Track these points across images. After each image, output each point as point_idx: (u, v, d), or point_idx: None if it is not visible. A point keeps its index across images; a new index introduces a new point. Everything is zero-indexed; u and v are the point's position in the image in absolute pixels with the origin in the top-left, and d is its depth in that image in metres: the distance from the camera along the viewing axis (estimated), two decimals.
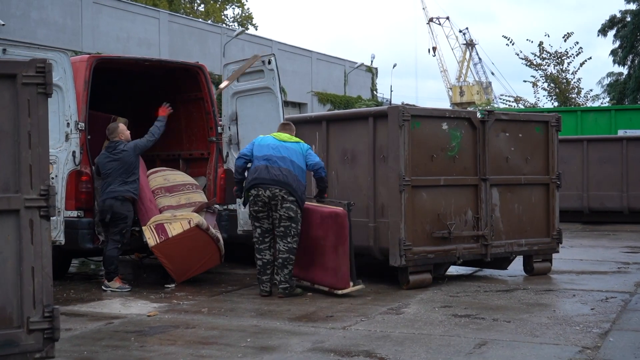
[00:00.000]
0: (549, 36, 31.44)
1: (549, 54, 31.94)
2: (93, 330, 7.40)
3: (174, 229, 9.57)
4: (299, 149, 9.24)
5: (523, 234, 10.61)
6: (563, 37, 31.06)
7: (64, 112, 9.59)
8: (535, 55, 32.26)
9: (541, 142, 10.87)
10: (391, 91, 64.76)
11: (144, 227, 9.78)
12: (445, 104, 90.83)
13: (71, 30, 33.53)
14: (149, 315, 8.06)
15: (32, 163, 5.10)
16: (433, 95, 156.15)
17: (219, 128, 11.12)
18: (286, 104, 47.14)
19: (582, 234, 17.03)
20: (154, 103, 12.35)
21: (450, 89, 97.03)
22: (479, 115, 10.24)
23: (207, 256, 9.87)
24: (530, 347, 6.63)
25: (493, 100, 74.32)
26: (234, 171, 9.59)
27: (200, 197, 10.65)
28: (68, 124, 9.62)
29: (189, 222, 9.59)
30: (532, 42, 32.25)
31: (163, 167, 11.07)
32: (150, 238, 9.62)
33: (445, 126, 9.89)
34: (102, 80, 11.26)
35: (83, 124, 9.74)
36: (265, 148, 9.18)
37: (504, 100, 35.38)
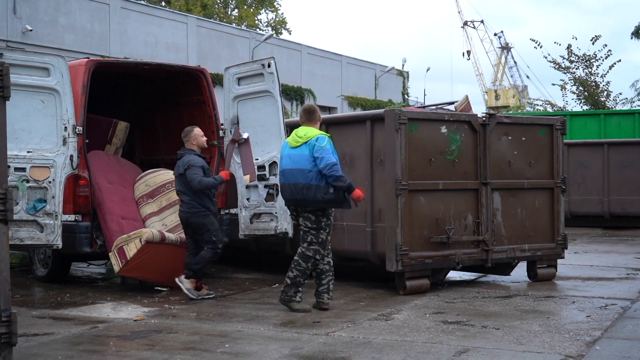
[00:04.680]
0: (576, 39, 30.92)
1: (577, 57, 31.50)
2: (75, 334, 7.37)
3: (131, 250, 9.42)
4: (307, 152, 8.46)
5: (526, 239, 10.42)
6: (591, 40, 30.63)
7: (61, 116, 9.61)
8: (563, 58, 31.85)
9: (546, 145, 10.67)
10: (424, 95, 64.30)
11: (110, 254, 9.66)
12: (481, 108, 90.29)
13: (99, 35, 33.74)
14: (135, 320, 8.02)
15: None
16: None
17: (221, 132, 11.07)
18: None
19: (600, 240, 16.73)
20: (158, 107, 12.42)
21: (486, 92, 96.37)
22: (479, 118, 10.07)
23: (182, 260, 9.76)
24: (512, 355, 6.48)
25: (530, 103, 73.67)
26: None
27: None
28: (65, 127, 9.63)
29: (140, 240, 9.41)
30: (559, 44, 31.87)
31: (148, 171, 10.96)
32: (115, 264, 9.54)
33: (444, 130, 9.75)
34: (106, 84, 11.29)
35: (81, 128, 9.75)
36: (280, 161, 8.84)
37: (532, 104, 34.96)
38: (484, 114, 10.20)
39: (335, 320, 7.92)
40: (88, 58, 10.50)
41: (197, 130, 9.71)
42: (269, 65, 10.41)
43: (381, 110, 9.73)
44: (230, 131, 10.96)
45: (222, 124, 11.13)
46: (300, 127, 8.74)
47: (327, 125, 10.44)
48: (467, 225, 9.92)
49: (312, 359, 6.37)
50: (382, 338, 7.09)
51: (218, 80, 21.26)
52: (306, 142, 8.51)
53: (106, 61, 11.61)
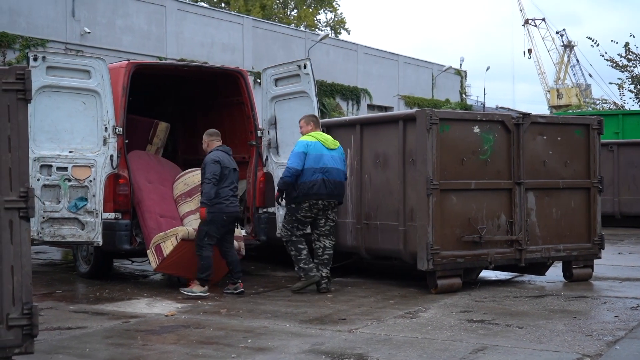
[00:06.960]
0: (634, 37, 30.46)
1: (634, 55, 31.03)
2: (107, 328, 7.62)
3: (167, 248, 9.61)
4: (342, 157, 9.95)
5: (561, 239, 10.38)
6: None
7: (101, 117, 9.92)
8: (621, 56, 31.40)
9: (582, 145, 10.62)
10: (484, 94, 63.65)
11: (147, 251, 9.89)
12: (543, 107, 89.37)
13: (156, 36, 34.31)
14: (166, 315, 8.25)
15: (11, 166, 5.28)
16: (529, 98, 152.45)
17: (259, 132, 11.26)
18: (372, 107, 47.28)
19: None
20: (198, 107, 12.69)
21: (548, 91, 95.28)
22: (512, 118, 10.08)
23: (216, 258, 9.94)
24: (528, 353, 6.51)
25: (591, 103, 72.57)
26: (280, 182, 9.87)
27: None
28: (106, 128, 9.93)
29: (176, 238, 9.58)
30: (616, 42, 31.42)
31: (187, 170, 11.13)
32: (153, 261, 9.76)
33: (476, 129, 9.78)
34: (148, 86, 11.58)
35: (121, 129, 10.04)
36: (319, 159, 9.64)
37: (592, 103, 34.53)
38: (518, 114, 10.20)
39: (361, 318, 8.05)
40: (128, 60, 10.77)
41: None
42: (304, 67, 10.59)
43: (413, 110, 9.83)
44: (268, 131, 11.15)
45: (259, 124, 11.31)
46: (319, 132, 9.93)
47: (361, 126, 10.59)
48: (500, 224, 9.93)
49: (331, 354, 6.50)
50: (403, 335, 7.19)
51: None
52: (339, 147, 9.93)
53: (146, 63, 11.93)
